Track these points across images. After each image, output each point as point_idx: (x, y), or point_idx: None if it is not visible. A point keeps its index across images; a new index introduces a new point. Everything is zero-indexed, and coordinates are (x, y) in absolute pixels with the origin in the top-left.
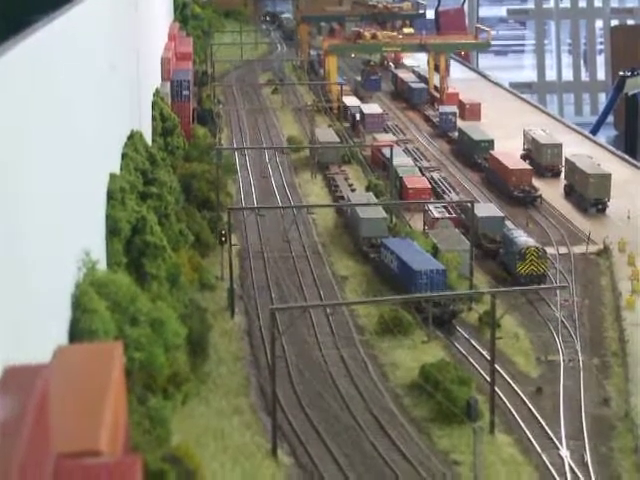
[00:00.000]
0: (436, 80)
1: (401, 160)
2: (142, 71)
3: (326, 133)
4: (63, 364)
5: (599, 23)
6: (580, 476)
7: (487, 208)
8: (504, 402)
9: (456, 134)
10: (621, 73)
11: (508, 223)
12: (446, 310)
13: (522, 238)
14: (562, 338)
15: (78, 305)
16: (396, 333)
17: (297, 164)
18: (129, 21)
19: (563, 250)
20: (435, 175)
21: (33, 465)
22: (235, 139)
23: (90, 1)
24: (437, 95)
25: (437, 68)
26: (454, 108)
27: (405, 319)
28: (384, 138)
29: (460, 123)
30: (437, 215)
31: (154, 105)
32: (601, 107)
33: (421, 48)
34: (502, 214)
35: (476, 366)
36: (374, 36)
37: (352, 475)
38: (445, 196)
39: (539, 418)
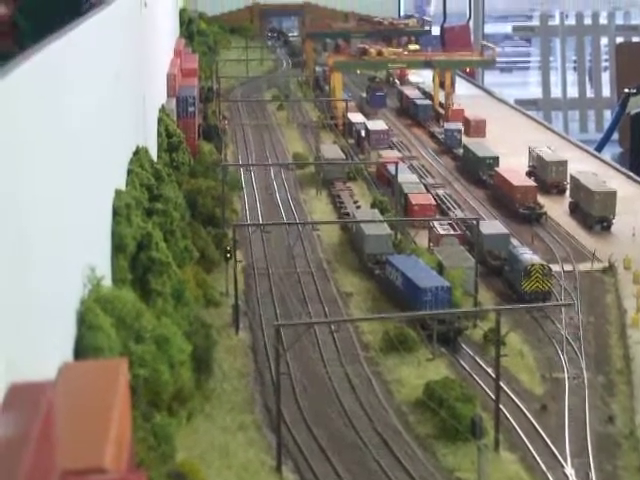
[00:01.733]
0: (441, 97)
1: (406, 177)
2: (148, 87)
3: (331, 149)
4: (68, 381)
5: (604, 40)
6: None
7: (492, 225)
8: (509, 419)
9: (461, 151)
10: (626, 90)
11: (513, 240)
12: (451, 327)
13: (527, 255)
14: (567, 355)
15: (83, 321)
16: (401, 350)
17: (302, 180)
18: (135, 36)
19: (568, 267)
20: (440, 192)
21: None
22: (240, 155)
23: (99, 15)
24: (442, 112)
25: (442, 85)
26: (459, 125)
27: (410, 336)
28: (389, 155)
29: (465, 140)
30: (442, 232)
31: (160, 121)
32: (606, 124)
33: (427, 65)
34: (507, 231)
35: (481, 383)
36: (380, 53)
37: None
38: (450, 213)
39: (544, 436)
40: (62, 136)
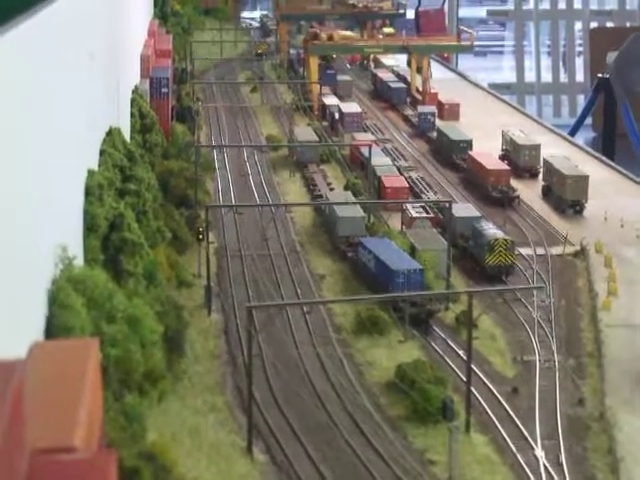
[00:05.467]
0: (418, 81)
1: (379, 159)
2: (121, 68)
3: (305, 132)
4: (38, 360)
5: (578, 25)
6: (555, 476)
7: (465, 208)
8: (480, 402)
9: (435, 134)
10: (600, 75)
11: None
12: (423, 310)
13: (491, 230)
14: (538, 338)
15: (54, 301)
16: (373, 332)
17: (276, 163)
18: (109, 16)
19: (540, 251)
20: (413, 175)
21: (6, 461)
22: (214, 137)
23: None
24: (419, 97)
25: (418, 69)
26: (433, 108)
27: (382, 318)
28: (363, 137)
29: (439, 123)
30: (415, 215)
31: (133, 102)
32: (579, 109)
33: (403, 50)
34: (480, 214)
35: (452, 366)
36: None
37: (327, 473)
38: (423, 196)
39: (514, 418)
40: (34, 114)
